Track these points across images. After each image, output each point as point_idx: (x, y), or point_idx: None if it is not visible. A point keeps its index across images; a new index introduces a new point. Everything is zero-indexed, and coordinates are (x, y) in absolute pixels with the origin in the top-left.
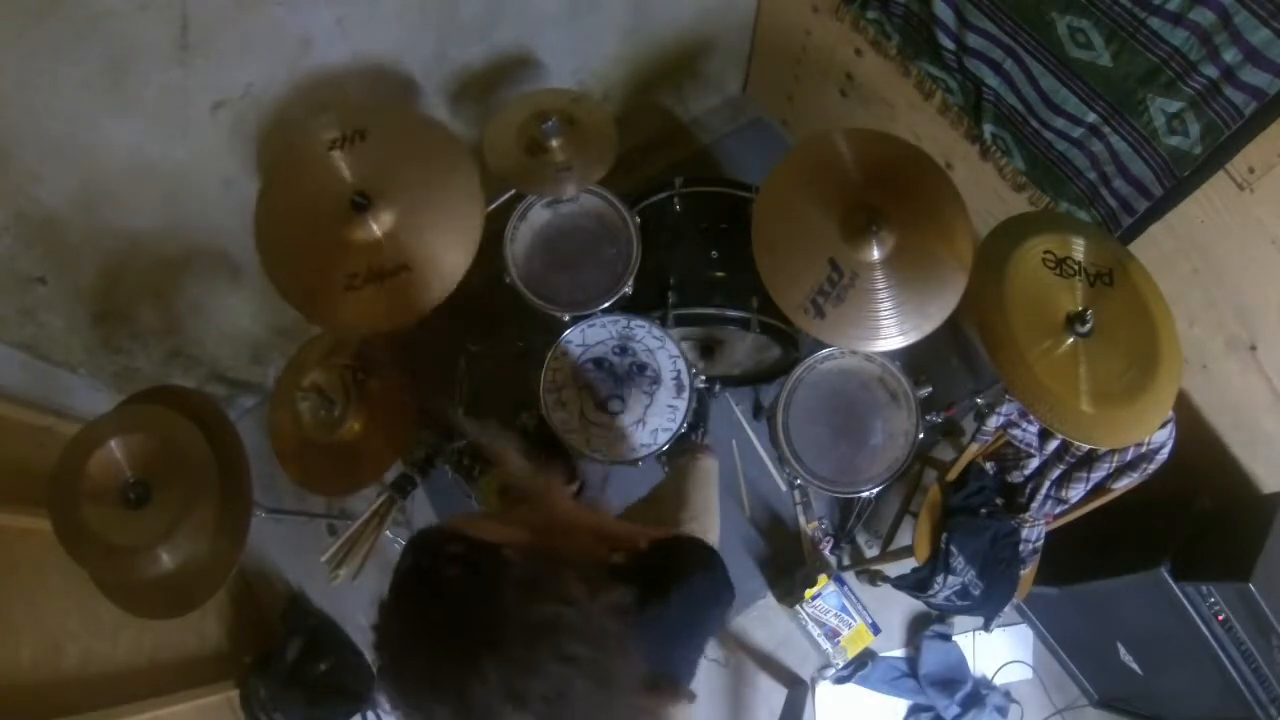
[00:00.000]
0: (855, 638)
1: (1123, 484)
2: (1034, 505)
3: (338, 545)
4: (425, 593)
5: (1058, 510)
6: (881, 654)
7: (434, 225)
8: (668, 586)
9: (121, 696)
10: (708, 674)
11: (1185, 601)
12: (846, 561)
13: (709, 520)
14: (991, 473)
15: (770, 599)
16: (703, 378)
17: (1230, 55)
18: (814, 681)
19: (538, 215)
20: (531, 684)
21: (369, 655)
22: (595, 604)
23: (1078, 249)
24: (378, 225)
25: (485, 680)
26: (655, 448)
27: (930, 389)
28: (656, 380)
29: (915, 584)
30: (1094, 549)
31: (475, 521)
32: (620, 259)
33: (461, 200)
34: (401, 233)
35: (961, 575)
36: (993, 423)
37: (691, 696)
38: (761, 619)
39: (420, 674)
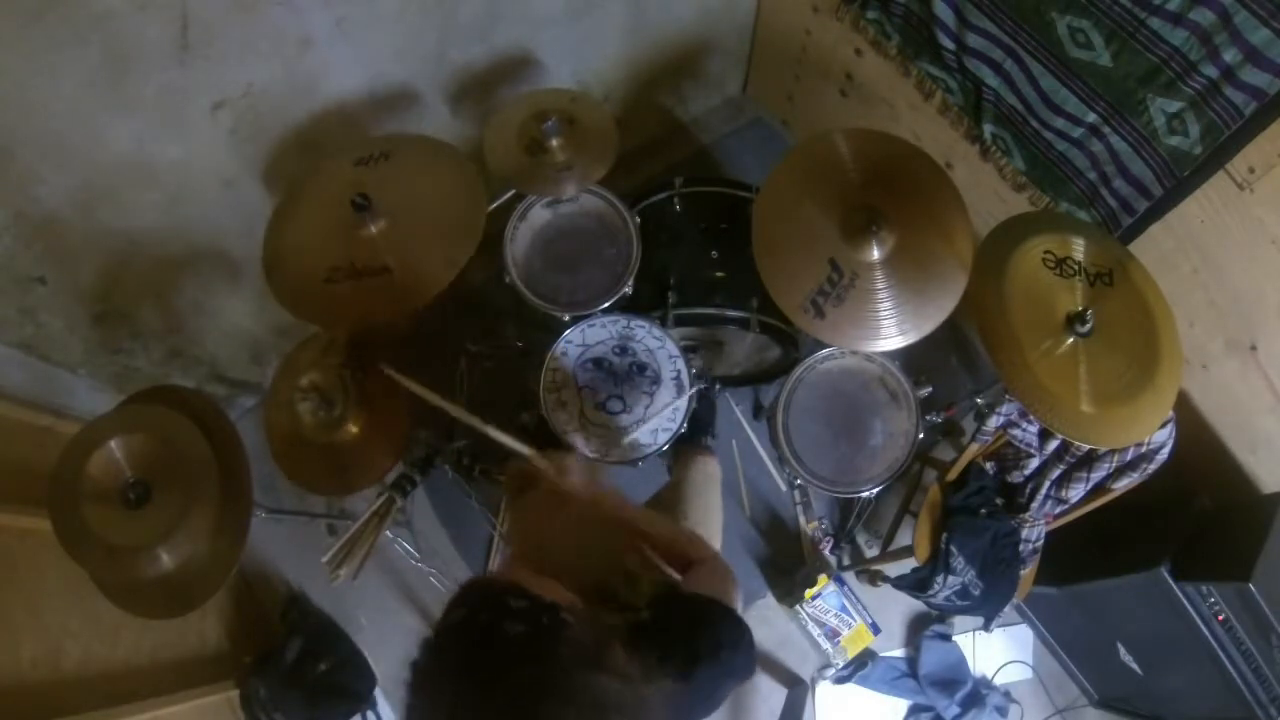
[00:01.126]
0: (855, 638)
1: (1123, 484)
2: (1034, 505)
3: (338, 545)
4: (484, 643)
5: (1058, 510)
6: (881, 654)
7: (426, 238)
8: (697, 661)
9: (121, 696)
10: None
11: (1185, 601)
12: (846, 561)
13: (712, 527)
14: (991, 473)
15: (770, 599)
16: (702, 381)
17: (1230, 55)
18: (814, 681)
19: (538, 215)
20: None
21: (377, 671)
22: (647, 684)
23: (1078, 249)
24: (374, 227)
25: None
26: (655, 448)
27: (930, 389)
28: (656, 380)
29: (915, 584)
30: (1094, 549)
31: (529, 577)
32: (620, 259)
33: (461, 220)
34: (393, 238)
35: (961, 575)
36: (993, 423)
37: None
38: (761, 619)
39: None
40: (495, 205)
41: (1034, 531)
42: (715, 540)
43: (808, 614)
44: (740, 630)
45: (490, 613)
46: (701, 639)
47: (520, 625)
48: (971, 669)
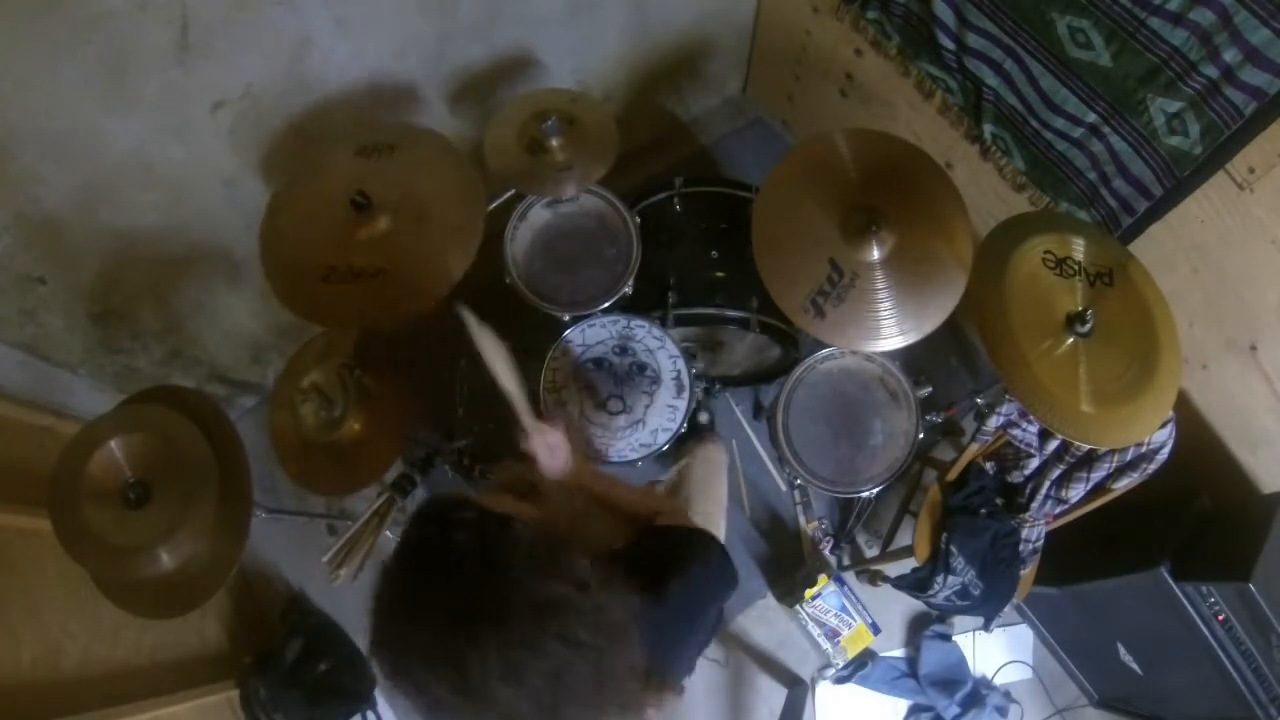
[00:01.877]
0: (855, 638)
1: (1123, 484)
2: (1034, 505)
3: (338, 545)
4: (430, 561)
5: (1058, 510)
6: (881, 654)
7: (424, 245)
8: (666, 579)
9: (121, 696)
10: (707, 674)
11: (1185, 601)
12: (846, 561)
13: (716, 514)
14: (991, 473)
15: (770, 599)
16: (703, 380)
17: (1230, 55)
18: (814, 681)
19: (538, 215)
20: (531, 662)
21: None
22: (601, 588)
23: (1078, 249)
24: (373, 228)
25: (485, 656)
26: (655, 448)
27: (930, 389)
28: (656, 380)
29: (915, 584)
30: (1094, 549)
31: (487, 494)
32: (620, 259)
33: (461, 226)
34: (392, 242)
35: (961, 575)
36: (993, 423)
37: (680, 690)
38: (761, 619)
39: (419, 647)
40: (495, 205)
41: (1034, 531)
42: (719, 527)
43: (808, 614)
44: (709, 549)
45: (438, 525)
46: (668, 555)
47: (465, 535)
48: (971, 669)
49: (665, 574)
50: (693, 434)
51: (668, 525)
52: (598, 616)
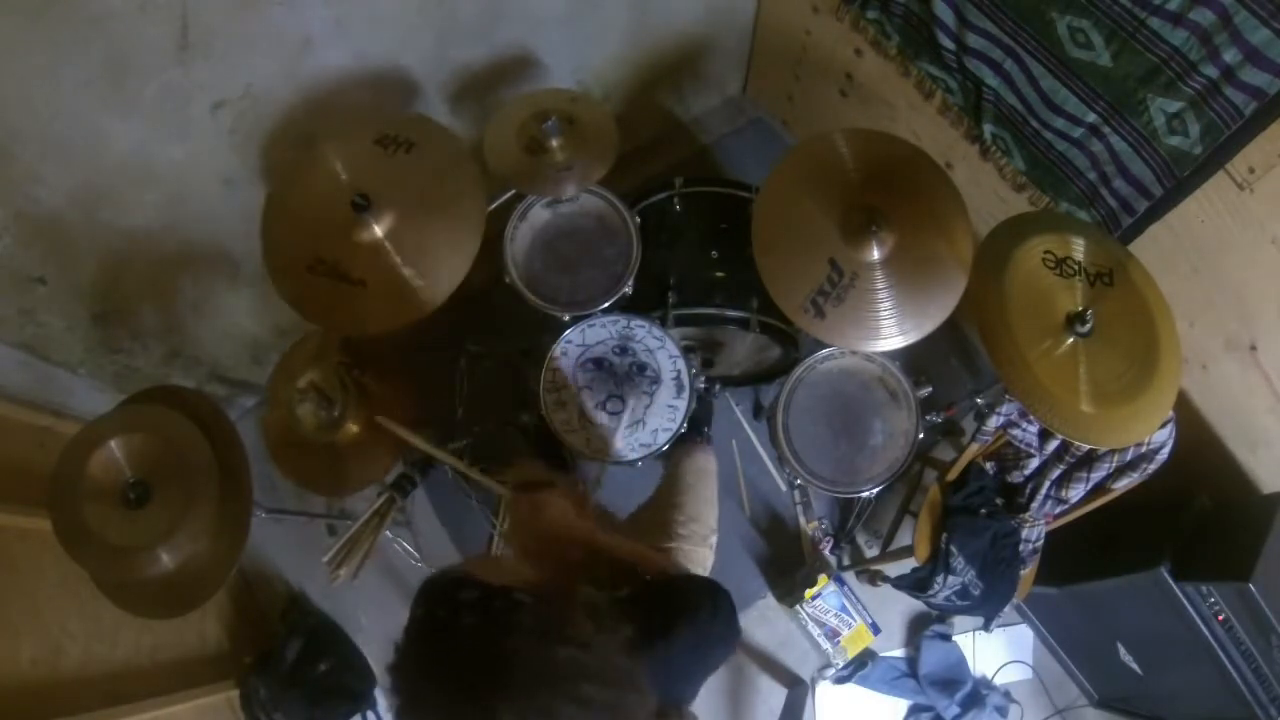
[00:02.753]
0: (855, 638)
1: (1123, 484)
2: (1034, 505)
3: (338, 546)
4: (440, 640)
5: (1058, 510)
6: (881, 654)
7: (411, 266)
8: (674, 623)
9: (121, 696)
10: None
11: (1185, 601)
12: (846, 561)
13: (706, 521)
14: (991, 473)
15: (770, 599)
16: (703, 379)
17: (1230, 55)
18: (814, 681)
19: (538, 215)
20: None
21: (377, 671)
22: (607, 643)
23: (1078, 249)
24: (367, 233)
25: None
26: (655, 448)
27: (930, 389)
28: (656, 380)
29: (915, 584)
30: (1094, 549)
31: (485, 564)
32: (620, 259)
33: (456, 248)
34: (379, 254)
35: (961, 575)
36: (993, 423)
37: (692, 718)
38: (761, 619)
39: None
40: (495, 205)
41: (1034, 531)
42: (711, 537)
43: (808, 614)
44: (713, 591)
45: (445, 608)
46: (677, 600)
47: (473, 616)
48: (971, 669)
49: (673, 618)
50: (683, 438)
51: (675, 575)
52: (606, 672)
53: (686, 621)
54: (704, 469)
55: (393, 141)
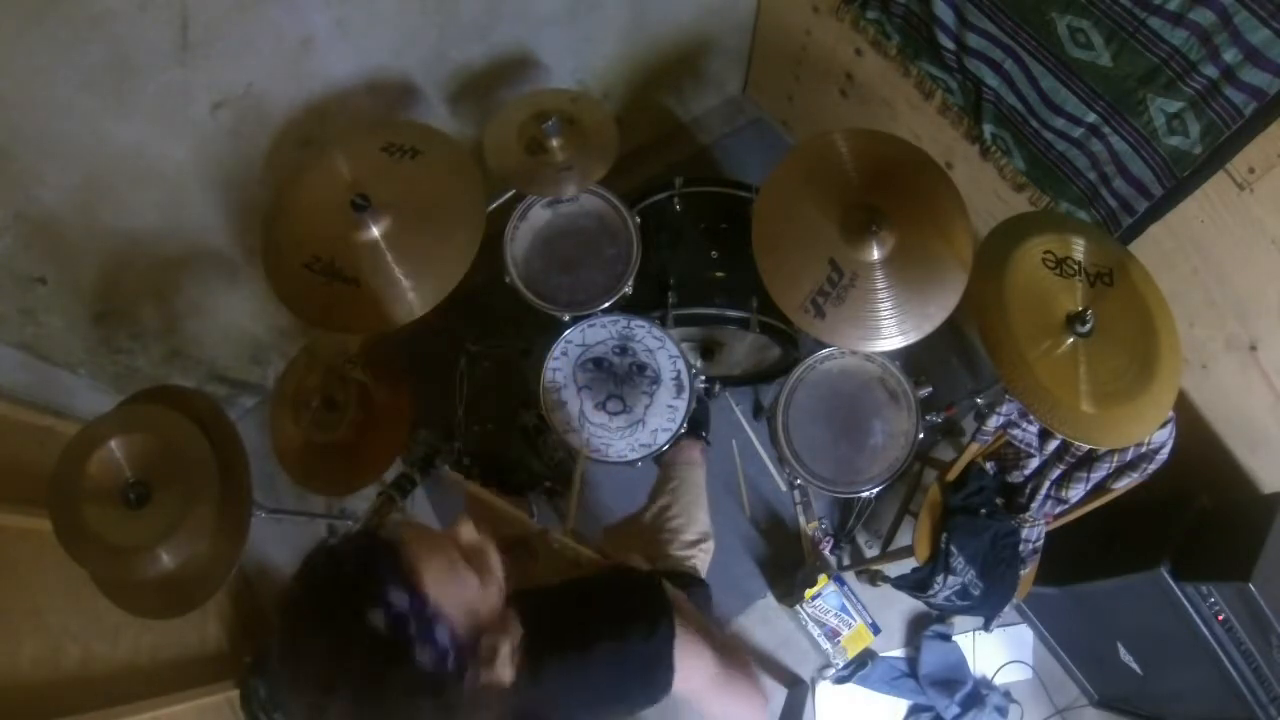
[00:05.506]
0: (855, 638)
1: (1123, 484)
2: (1034, 505)
3: None
4: (337, 621)
5: (1058, 510)
6: (881, 654)
7: (403, 270)
8: (595, 638)
9: (121, 696)
10: None
11: (1185, 601)
12: (846, 561)
13: (698, 512)
14: (991, 473)
15: (770, 599)
16: (703, 378)
17: (1230, 55)
18: (814, 681)
19: (538, 215)
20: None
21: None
22: (492, 703)
23: (1078, 249)
24: (365, 233)
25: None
26: (655, 448)
27: (930, 389)
28: (656, 380)
29: (915, 584)
30: (1094, 549)
31: (424, 538)
32: (620, 259)
33: (451, 256)
34: (374, 256)
35: (961, 575)
36: (993, 423)
37: None
38: (761, 619)
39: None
40: (495, 205)
41: (1034, 531)
42: (703, 524)
43: (808, 614)
44: (658, 621)
45: (366, 595)
46: (609, 609)
47: (383, 622)
48: (971, 669)
49: (601, 627)
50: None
51: (635, 578)
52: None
53: (611, 635)
54: (690, 462)
55: (399, 149)
